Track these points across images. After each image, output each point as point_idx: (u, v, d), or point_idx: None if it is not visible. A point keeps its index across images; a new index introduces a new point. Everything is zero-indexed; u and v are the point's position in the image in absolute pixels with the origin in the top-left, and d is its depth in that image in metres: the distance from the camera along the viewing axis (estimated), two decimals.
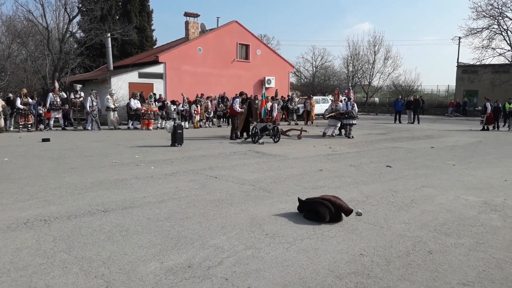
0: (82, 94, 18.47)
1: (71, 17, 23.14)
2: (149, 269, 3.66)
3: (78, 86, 18.52)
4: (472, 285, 3.46)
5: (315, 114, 24.91)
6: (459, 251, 4.20)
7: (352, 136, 15.54)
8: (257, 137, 13.47)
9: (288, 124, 22.97)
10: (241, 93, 15.39)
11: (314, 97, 26.80)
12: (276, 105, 14.80)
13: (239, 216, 5.27)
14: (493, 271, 3.74)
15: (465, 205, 5.97)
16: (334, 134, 16.12)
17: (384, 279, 3.55)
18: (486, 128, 20.08)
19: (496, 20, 32.34)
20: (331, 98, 18.96)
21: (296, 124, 23.10)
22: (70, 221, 4.98)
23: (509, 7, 31.45)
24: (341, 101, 16.38)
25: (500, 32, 32.38)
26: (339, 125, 16.12)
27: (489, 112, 19.98)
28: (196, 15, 27.02)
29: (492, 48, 33.09)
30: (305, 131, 15.91)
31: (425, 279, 3.56)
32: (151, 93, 19.63)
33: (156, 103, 19.64)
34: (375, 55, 42.01)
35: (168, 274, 3.58)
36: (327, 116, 16.93)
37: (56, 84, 18.56)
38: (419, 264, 3.86)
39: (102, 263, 3.78)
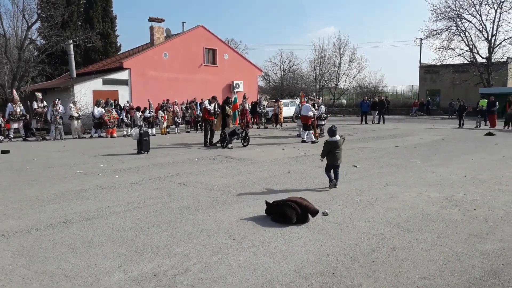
0: (45, 103, 17.90)
1: (30, 23, 22.45)
2: (113, 280, 3.58)
3: (39, 95, 17.95)
4: (433, 278, 3.57)
5: (284, 117, 25.14)
6: (421, 247, 4.32)
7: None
8: (226, 141, 13.44)
9: (257, 128, 23.07)
10: (213, 97, 15.38)
11: (282, 100, 27.05)
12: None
13: (206, 222, 5.23)
14: (452, 264, 3.87)
15: (427, 202, 6.16)
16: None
17: (349, 277, 3.60)
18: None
19: (454, 22, 33.66)
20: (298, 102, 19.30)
21: (266, 127, 23.22)
22: (30, 235, 4.81)
23: (466, 9, 32.80)
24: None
25: (458, 33, 33.70)
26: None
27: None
28: (160, 20, 26.74)
29: (452, 48, 34.43)
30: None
31: (388, 275, 3.64)
32: (110, 100, 19.19)
33: (122, 110, 19.30)
34: (340, 57, 42.98)
35: (133, 284, 3.51)
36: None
37: (15, 94, 17.87)
38: (383, 261, 3.94)
39: (64, 277, 3.66)
